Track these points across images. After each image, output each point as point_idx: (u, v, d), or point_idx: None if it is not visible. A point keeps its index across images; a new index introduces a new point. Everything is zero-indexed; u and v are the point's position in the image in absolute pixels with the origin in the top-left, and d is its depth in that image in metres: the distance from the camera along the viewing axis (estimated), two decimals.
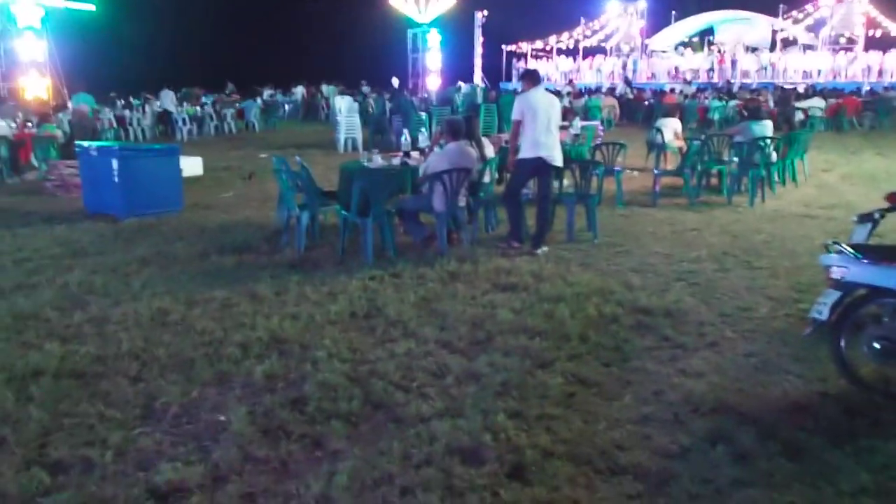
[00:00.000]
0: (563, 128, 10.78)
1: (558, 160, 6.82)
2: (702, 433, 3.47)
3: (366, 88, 26.12)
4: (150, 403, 3.76)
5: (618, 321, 4.92)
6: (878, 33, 33.35)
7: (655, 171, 9.72)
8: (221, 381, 4.05)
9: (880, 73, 31.36)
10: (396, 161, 7.41)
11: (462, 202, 6.84)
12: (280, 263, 6.43)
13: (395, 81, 27.56)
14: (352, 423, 3.55)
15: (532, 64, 39.56)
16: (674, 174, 9.82)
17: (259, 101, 24.20)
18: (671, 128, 11.89)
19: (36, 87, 21.91)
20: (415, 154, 7.75)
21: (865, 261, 3.84)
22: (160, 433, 3.47)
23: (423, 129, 9.89)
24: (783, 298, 5.40)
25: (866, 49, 33.30)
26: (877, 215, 4.95)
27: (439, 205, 6.59)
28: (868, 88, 25.81)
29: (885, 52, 32.18)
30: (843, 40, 34.76)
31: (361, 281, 5.84)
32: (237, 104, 22.58)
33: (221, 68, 29.43)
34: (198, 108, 20.87)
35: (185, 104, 21.01)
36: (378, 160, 7.34)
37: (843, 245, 3.98)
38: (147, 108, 19.83)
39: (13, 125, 13.66)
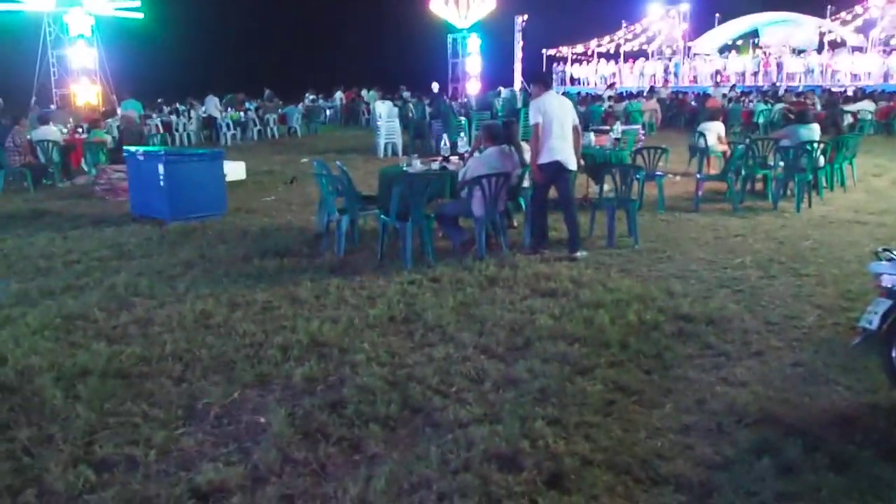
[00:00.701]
0: (603, 132, 10.74)
1: (572, 164, 6.78)
2: (746, 444, 3.39)
3: (406, 93, 26.25)
4: (192, 404, 3.83)
5: (659, 328, 4.85)
6: None
7: (698, 176, 9.56)
8: (262, 383, 4.10)
9: None
10: (436, 166, 7.42)
11: (501, 207, 6.82)
12: (320, 267, 6.49)
13: (435, 86, 27.68)
14: (390, 427, 3.56)
15: (573, 68, 39.35)
16: (717, 179, 9.64)
17: (301, 106, 24.51)
18: (714, 132, 11.68)
19: (86, 93, 22.60)
20: (454, 159, 7.76)
21: None
22: (202, 434, 3.53)
23: (462, 134, 9.89)
24: (831, 307, 5.26)
25: None
26: None
27: (478, 209, 6.58)
28: None
29: None
30: (894, 41, 33.82)
31: (400, 285, 5.86)
32: (279, 109, 22.91)
33: (263, 74, 29.93)
34: (241, 114, 21.22)
35: (229, 109, 21.38)
36: (417, 165, 7.36)
37: (894, 252, 3.86)
38: (192, 113, 20.24)
39: (64, 131, 14.06)
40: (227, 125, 20.06)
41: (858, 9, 34.75)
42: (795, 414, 3.68)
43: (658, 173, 9.25)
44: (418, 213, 6.48)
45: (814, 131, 9.63)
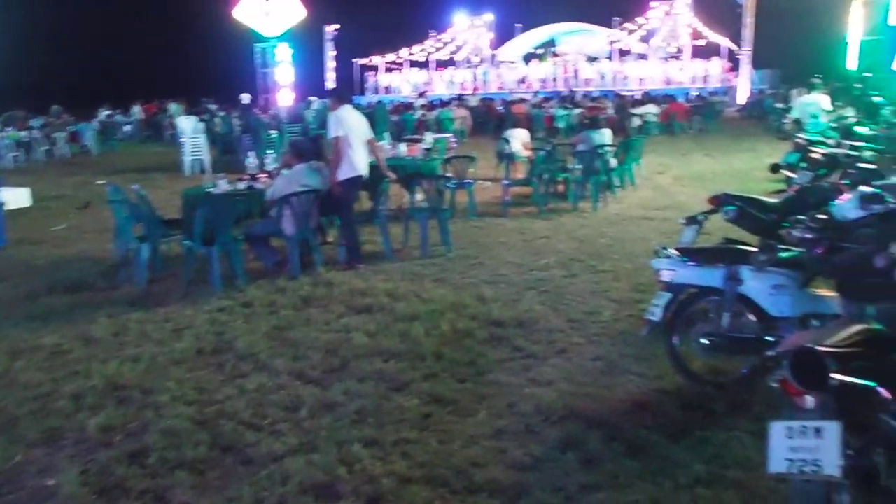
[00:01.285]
0: (415, 142, 10.93)
1: (366, 174, 7.02)
2: (553, 442, 3.57)
3: (212, 106, 25.13)
4: None
5: (472, 335, 4.99)
6: (703, 43, 36.30)
7: (505, 182, 10.00)
8: (50, 439, 3.72)
9: (705, 79, 34.14)
10: (243, 185, 7.16)
11: (313, 224, 6.71)
12: (119, 301, 6.02)
13: (246, 98, 26.73)
14: (198, 472, 3.36)
15: (385, 77, 39.79)
16: (523, 184, 10.15)
17: (95, 122, 22.70)
18: (519, 138, 12.30)
19: None
20: (262, 177, 7.52)
21: (691, 263, 4.12)
22: None
23: (270, 151, 9.62)
24: (625, 300, 5.69)
25: (692, 57, 36.16)
26: (701, 217, 5.35)
27: (289, 228, 6.43)
28: (696, 94, 27.99)
29: (708, 59, 35.11)
30: (671, 50, 37.56)
31: (209, 314, 5.58)
32: (70, 126, 21.06)
33: (50, 88, 27.37)
34: (24, 132, 19.27)
35: (9, 128, 19.32)
36: (223, 185, 7.06)
37: (671, 249, 4.25)
38: None
39: None
40: (7, 146, 18.11)
41: (641, 20, 38.16)
42: (596, 406, 3.94)
43: (468, 181, 9.56)
44: (225, 235, 6.21)
45: (605, 136, 10.43)
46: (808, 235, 3.95)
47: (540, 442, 3.58)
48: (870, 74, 21.68)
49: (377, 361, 4.55)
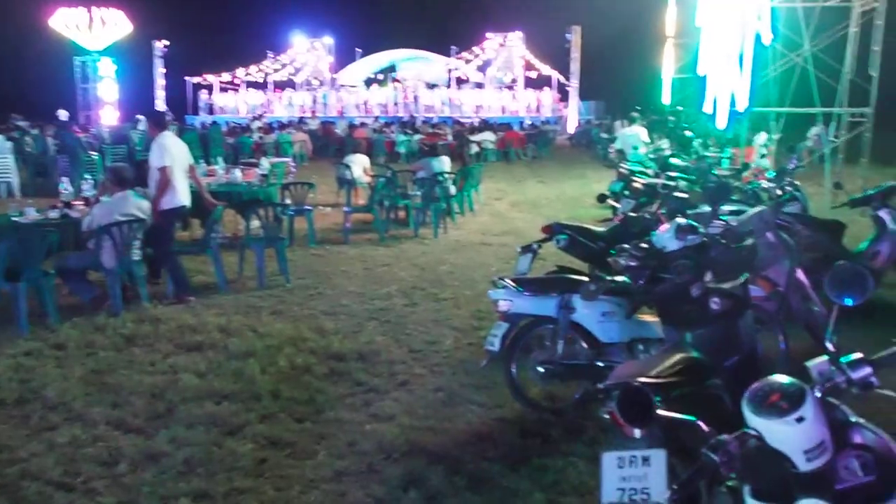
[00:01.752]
0: (251, 166, 10.55)
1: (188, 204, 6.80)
2: (395, 481, 3.49)
3: (23, 123, 22.94)
4: None
5: (311, 371, 4.82)
6: (535, 74, 38.31)
7: (346, 209, 9.88)
8: None
9: (538, 109, 36.01)
10: (55, 213, 6.53)
11: (137, 255, 6.23)
12: None
13: (64, 115, 24.67)
14: None
15: (219, 97, 38.39)
16: (364, 210, 10.09)
17: None
18: (360, 163, 12.26)
19: None
20: (80, 204, 6.91)
21: (526, 293, 4.22)
22: None
23: (88, 175, 8.88)
24: (466, 328, 5.76)
25: (525, 87, 38.05)
26: (535, 246, 5.54)
27: (109, 261, 5.92)
28: (529, 123, 29.42)
29: (540, 90, 37.08)
30: (506, 79, 39.30)
31: (13, 359, 4.99)
32: None
33: None
34: None
35: None
36: (32, 213, 6.40)
37: (507, 280, 4.34)
38: None
39: None
40: None
41: (477, 50, 39.65)
42: (438, 440, 3.91)
43: (307, 207, 9.35)
44: (33, 270, 5.61)
45: (444, 163, 10.64)
46: (633, 263, 4.19)
47: (382, 482, 3.49)
48: (682, 108, 23.82)
49: (208, 404, 4.26)
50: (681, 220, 4.19)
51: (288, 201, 8.93)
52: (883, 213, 6.22)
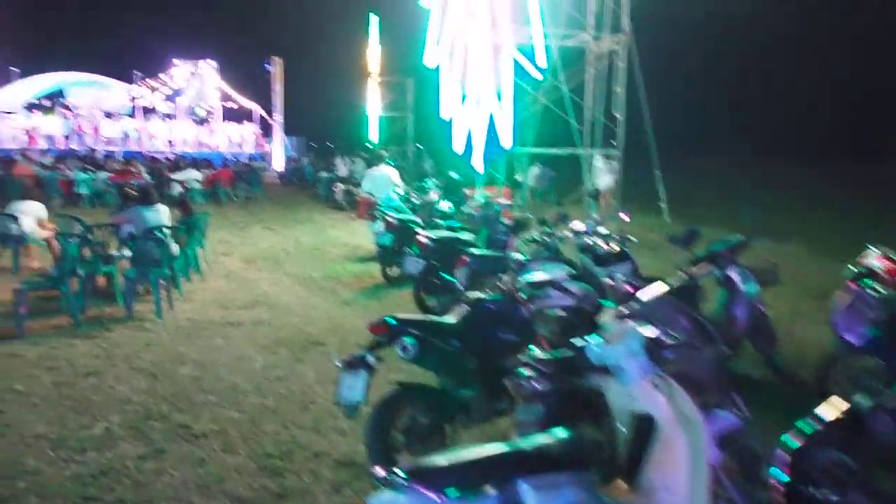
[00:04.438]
0: None
1: None
2: None
3: None
4: None
5: None
6: (236, 106, 35.57)
7: (21, 285, 6.67)
8: None
9: (240, 144, 33.34)
10: None
11: None
12: None
13: None
14: None
15: None
16: (48, 285, 6.98)
17: None
18: (32, 213, 9.05)
19: None
20: None
21: (431, 491, 2.27)
22: None
23: None
24: (257, 500, 3.55)
25: (224, 120, 35.13)
26: (370, 358, 3.59)
27: None
28: (235, 159, 26.73)
29: (240, 123, 34.45)
30: (201, 112, 35.97)
31: None
32: None
33: None
34: None
35: None
36: None
37: (396, 470, 2.35)
38: None
39: None
40: None
41: (165, 78, 35.75)
42: None
43: None
44: None
45: (161, 213, 7.97)
46: (542, 386, 3.00)
47: None
48: (421, 146, 23.23)
49: None
50: (647, 331, 2.63)
51: None
52: (732, 273, 5.41)
